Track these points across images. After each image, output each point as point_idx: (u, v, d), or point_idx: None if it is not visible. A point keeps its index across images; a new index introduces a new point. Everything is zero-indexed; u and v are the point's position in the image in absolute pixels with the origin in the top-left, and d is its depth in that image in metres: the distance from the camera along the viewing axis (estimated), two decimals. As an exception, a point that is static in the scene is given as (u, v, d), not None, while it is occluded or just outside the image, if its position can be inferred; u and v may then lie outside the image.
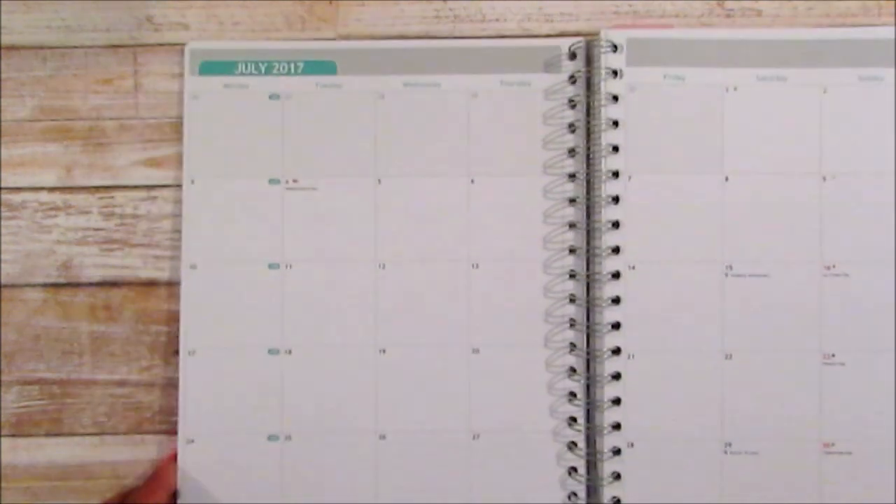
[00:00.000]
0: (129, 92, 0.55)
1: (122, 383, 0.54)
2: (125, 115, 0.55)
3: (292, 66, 0.54)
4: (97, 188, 0.55)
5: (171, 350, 0.54)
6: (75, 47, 0.55)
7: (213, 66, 0.54)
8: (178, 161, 0.54)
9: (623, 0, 0.55)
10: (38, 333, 0.55)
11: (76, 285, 0.55)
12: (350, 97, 0.54)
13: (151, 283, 0.55)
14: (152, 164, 0.55)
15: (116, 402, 0.54)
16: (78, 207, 0.55)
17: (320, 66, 0.54)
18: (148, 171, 0.55)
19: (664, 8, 0.55)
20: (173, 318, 0.54)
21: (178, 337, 0.54)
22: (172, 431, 0.54)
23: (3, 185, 0.55)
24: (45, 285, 0.55)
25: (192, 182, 0.54)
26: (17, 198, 0.55)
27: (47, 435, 0.54)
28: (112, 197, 0.55)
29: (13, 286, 0.55)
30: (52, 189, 0.55)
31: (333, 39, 0.55)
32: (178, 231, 0.54)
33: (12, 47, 0.55)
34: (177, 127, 0.55)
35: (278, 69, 0.54)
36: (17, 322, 0.55)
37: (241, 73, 0.54)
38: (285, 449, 0.53)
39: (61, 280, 0.55)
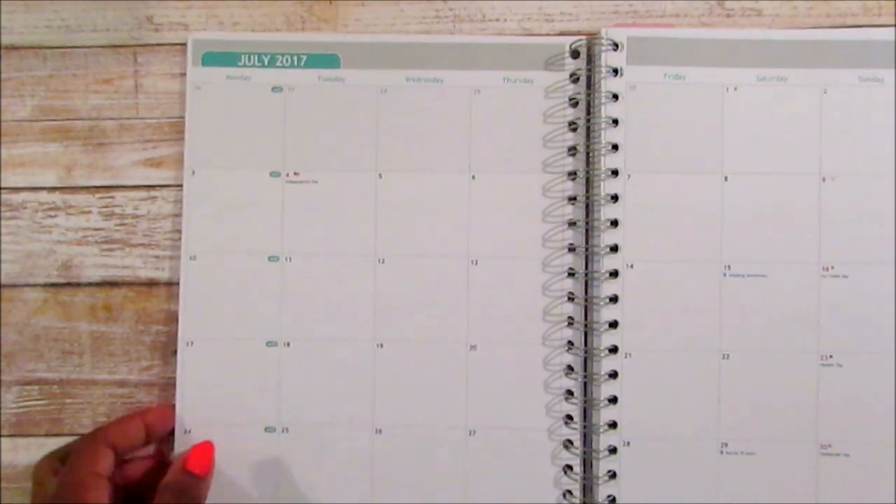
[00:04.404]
0: (129, 92, 0.55)
1: (122, 383, 0.54)
2: (125, 115, 0.55)
3: (295, 58, 0.54)
4: (97, 188, 0.55)
5: (171, 350, 0.54)
6: (75, 47, 0.55)
7: (215, 58, 0.55)
8: (179, 161, 0.54)
9: (623, 0, 0.55)
10: (38, 333, 0.55)
11: (76, 285, 0.55)
12: (352, 91, 0.54)
13: (151, 283, 0.55)
14: (152, 164, 0.55)
15: (116, 402, 0.54)
16: (78, 207, 0.55)
17: (323, 60, 0.54)
18: (148, 171, 0.55)
19: (664, 8, 0.55)
20: (173, 318, 0.54)
21: (178, 337, 0.54)
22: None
23: (3, 185, 0.55)
24: (45, 285, 0.55)
25: (193, 173, 0.54)
26: (17, 198, 0.55)
27: (47, 435, 0.54)
28: (112, 197, 0.55)
29: (13, 286, 0.55)
30: (52, 189, 0.55)
31: (333, 39, 0.55)
32: (179, 231, 0.54)
33: (12, 47, 0.55)
34: (177, 127, 0.55)
35: (281, 62, 0.54)
36: (17, 322, 0.55)
37: (244, 65, 0.54)
38: (282, 441, 0.53)
39: (61, 280, 0.55)
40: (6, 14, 0.55)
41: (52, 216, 0.55)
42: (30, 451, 0.54)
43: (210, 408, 0.53)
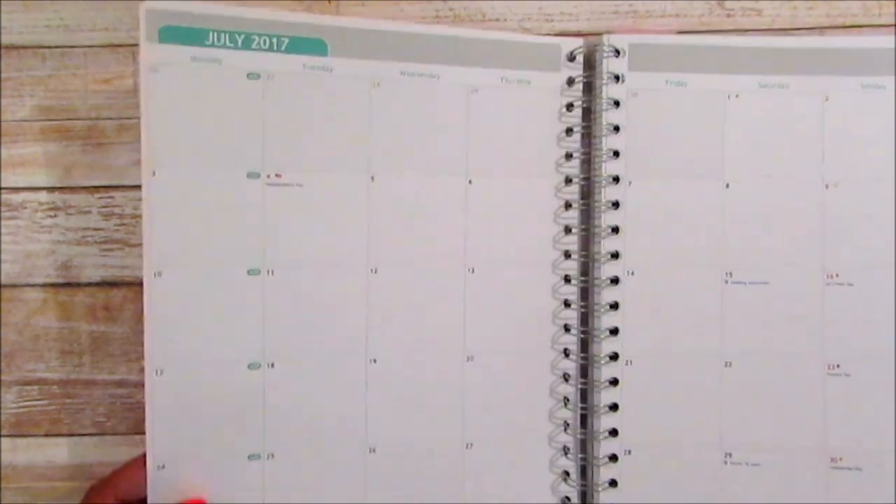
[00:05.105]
0: (129, 92, 0.55)
1: (121, 383, 0.55)
2: (125, 114, 0.55)
3: (275, 40, 0.48)
4: (97, 188, 0.55)
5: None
6: (74, 47, 0.55)
7: (176, 33, 0.47)
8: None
9: (623, 0, 0.55)
10: (38, 333, 0.55)
11: (76, 285, 0.55)
12: (342, 82, 0.49)
13: (151, 284, 0.55)
14: (152, 164, 0.55)
15: (116, 402, 0.55)
16: (77, 207, 0.55)
17: (308, 45, 0.48)
18: (148, 171, 0.55)
19: (664, 8, 0.55)
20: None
21: (145, 364, 0.49)
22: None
23: (3, 185, 0.55)
24: (44, 285, 0.55)
25: (154, 174, 0.47)
26: (17, 198, 0.55)
27: (47, 435, 0.54)
28: (112, 197, 0.55)
29: (13, 286, 0.55)
30: (51, 189, 0.55)
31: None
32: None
33: (12, 47, 0.55)
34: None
35: (258, 43, 0.48)
36: (16, 322, 0.55)
37: (213, 45, 0.47)
38: (268, 468, 0.49)
39: (61, 280, 0.55)
40: (6, 14, 0.55)
41: (51, 216, 0.55)
42: (30, 451, 0.54)
43: (187, 439, 0.48)
